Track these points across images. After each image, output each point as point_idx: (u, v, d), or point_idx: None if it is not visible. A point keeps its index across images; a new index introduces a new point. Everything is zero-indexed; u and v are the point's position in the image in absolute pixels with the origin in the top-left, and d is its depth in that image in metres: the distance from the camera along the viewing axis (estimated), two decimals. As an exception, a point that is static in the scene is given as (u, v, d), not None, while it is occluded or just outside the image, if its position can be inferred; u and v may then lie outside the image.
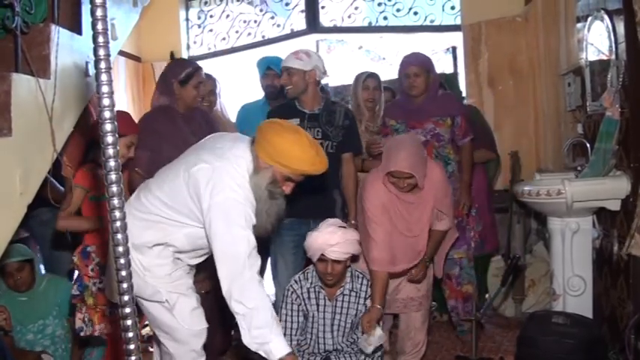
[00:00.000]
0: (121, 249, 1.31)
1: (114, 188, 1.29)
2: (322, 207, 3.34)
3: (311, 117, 3.41)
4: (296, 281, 2.99)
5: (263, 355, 2.21)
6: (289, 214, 3.29)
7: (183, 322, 2.48)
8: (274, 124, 2.44)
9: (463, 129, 3.70)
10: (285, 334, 2.83)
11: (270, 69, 4.15)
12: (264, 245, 3.71)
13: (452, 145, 3.72)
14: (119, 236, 1.31)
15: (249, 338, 2.21)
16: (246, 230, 2.25)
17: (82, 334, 3.16)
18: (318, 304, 2.96)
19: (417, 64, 3.66)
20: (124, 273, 1.32)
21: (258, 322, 2.19)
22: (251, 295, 2.20)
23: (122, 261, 1.31)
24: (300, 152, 2.33)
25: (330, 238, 2.77)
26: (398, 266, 3.06)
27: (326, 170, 2.43)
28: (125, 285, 1.32)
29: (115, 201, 1.30)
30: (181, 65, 3.49)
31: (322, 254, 2.79)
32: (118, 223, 1.30)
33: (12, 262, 3.29)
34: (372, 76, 3.98)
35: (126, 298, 1.33)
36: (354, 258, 2.98)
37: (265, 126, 2.43)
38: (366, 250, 3.02)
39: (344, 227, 2.89)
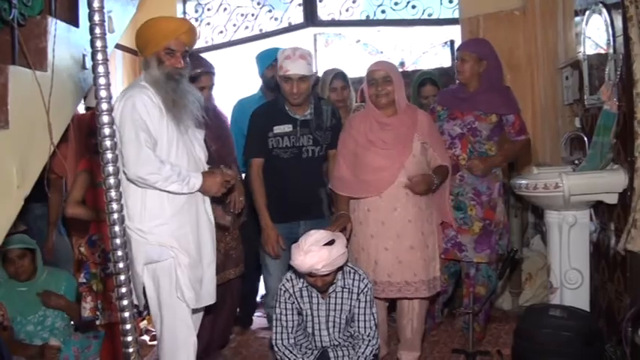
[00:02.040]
0: (118, 241, 1.31)
1: (111, 180, 1.29)
2: (310, 207, 3.35)
3: (303, 123, 3.31)
4: (288, 280, 2.95)
5: (187, 190, 2.60)
6: (280, 219, 3.28)
7: (179, 290, 2.61)
8: (138, 29, 2.73)
9: (517, 127, 3.46)
10: (282, 332, 2.92)
11: (277, 61, 4.15)
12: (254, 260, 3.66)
13: (495, 143, 3.51)
14: (116, 228, 1.31)
15: (186, 188, 2.60)
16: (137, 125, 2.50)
17: (97, 322, 3.24)
18: (311, 302, 2.94)
19: (466, 49, 3.50)
20: (121, 265, 1.32)
21: (174, 175, 2.54)
22: (156, 167, 2.51)
23: (119, 253, 1.31)
24: (161, 20, 2.70)
25: (316, 263, 2.67)
26: (366, 187, 3.19)
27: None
28: (122, 277, 1.33)
29: (112, 193, 1.30)
30: (194, 63, 3.25)
31: (311, 272, 2.75)
32: (116, 215, 1.31)
33: (14, 248, 3.32)
34: (338, 76, 3.93)
35: (123, 289, 1.33)
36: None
37: (136, 36, 2.72)
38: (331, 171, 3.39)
39: (329, 243, 2.74)
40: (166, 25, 2.67)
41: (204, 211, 2.79)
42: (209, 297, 2.77)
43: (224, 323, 3.64)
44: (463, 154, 3.46)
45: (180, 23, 2.75)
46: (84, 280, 3.24)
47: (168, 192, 2.58)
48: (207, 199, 2.81)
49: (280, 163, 3.31)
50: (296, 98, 3.22)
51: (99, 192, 3.21)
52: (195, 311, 2.76)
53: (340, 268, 2.85)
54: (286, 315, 2.93)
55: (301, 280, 2.92)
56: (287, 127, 3.26)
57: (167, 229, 2.59)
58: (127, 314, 1.33)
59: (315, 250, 2.67)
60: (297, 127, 3.30)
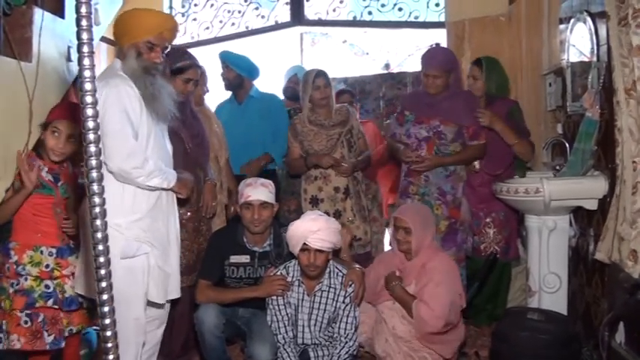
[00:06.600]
0: (99, 235, 1.30)
1: (94, 174, 1.28)
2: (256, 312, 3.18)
3: (262, 255, 3.15)
4: (282, 270, 3.03)
5: (166, 185, 2.64)
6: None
7: (145, 283, 2.61)
8: (119, 16, 2.72)
9: (471, 132, 3.58)
10: (278, 326, 2.97)
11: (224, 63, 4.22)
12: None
13: (460, 144, 3.62)
14: (98, 222, 1.30)
15: (165, 183, 2.63)
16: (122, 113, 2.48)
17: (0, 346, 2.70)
18: (297, 298, 2.99)
19: (437, 67, 3.56)
20: (102, 259, 1.31)
21: (156, 171, 2.56)
22: (140, 162, 2.51)
23: (101, 247, 1.31)
24: (146, 13, 2.63)
25: (312, 225, 2.83)
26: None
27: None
28: (103, 271, 1.32)
29: (95, 186, 1.29)
30: (178, 55, 3.22)
31: (305, 243, 2.82)
32: (97, 209, 1.30)
33: None
34: (321, 74, 3.85)
35: (103, 284, 1.32)
36: (334, 253, 3.02)
37: (115, 22, 2.69)
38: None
39: (325, 215, 2.96)
40: (151, 19, 2.63)
41: (174, 211, 2.81)
42: (175, 292, 2.80)
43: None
44: (429, 155, 3.58)
45: (166, 19, 2.73)
46: None
47: (147, 187, 2.57)
48: (175, 200, 2.82)
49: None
50: (257, 225, 3.07)
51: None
52: (160, 306, 2.77)
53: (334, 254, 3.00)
54: (279, 310, 2.98)
55: (290, 274, 3.00)
56: (244, 258, 3.14)
57: (143, 224, 2.58)
58: (106, 308, 1.33)
59: (313, 217, 2.91)
60: (256, 259, 3.15)
